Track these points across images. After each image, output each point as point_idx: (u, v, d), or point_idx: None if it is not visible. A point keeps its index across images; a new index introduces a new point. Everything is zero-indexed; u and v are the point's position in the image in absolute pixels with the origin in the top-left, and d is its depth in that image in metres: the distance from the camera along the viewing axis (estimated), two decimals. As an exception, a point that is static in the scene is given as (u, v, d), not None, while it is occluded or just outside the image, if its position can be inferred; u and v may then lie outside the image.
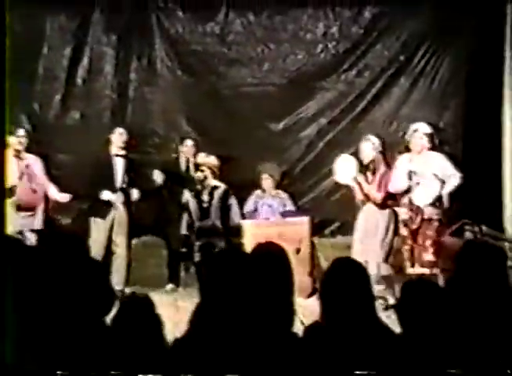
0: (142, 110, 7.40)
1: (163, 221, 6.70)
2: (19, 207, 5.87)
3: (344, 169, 6.32)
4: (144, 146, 7.31)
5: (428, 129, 6.02)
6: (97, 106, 7.35)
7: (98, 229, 6.09)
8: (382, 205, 6.10)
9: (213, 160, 6.49)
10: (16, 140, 6.06)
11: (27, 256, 2.57)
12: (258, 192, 6.85)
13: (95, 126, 7.12)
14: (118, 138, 6.27)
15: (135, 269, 6.54)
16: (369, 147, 6.14)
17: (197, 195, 6.27)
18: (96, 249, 5.60)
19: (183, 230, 6.22)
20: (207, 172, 6.30)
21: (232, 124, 7.32)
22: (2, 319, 2.33)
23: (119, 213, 6.17)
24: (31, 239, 5.56)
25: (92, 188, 6.12)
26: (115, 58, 7.33)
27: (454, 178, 5.85)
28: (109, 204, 6.11)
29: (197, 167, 6.26)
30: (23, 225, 5.80)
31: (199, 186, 6.21)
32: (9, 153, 5.89)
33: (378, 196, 6.10)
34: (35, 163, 6.23)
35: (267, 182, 6.87)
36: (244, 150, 7.11)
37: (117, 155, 6.26)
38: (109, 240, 6.17)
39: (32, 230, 5.74)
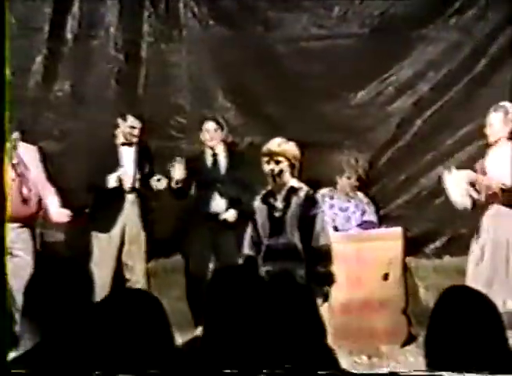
0: (159, 77, 6.45)
1: (183, 235, 5.97)
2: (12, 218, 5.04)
3: (456, 187, 5.50)
4: (164, 129, 6.41)
5: None
6: (95, 73, 6.38)
7: (102, 248, 5.71)
8: None
9: (292, 147, 5.35)
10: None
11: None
12: (326, 190, 6.02)
13: (91, 101, 6.25)
14: (124, 122, 5.80)
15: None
16: (500, 119, 5.39)
17: (265, 198, 5.18)
18: (102, 275, 5.07)
19: (246, 249, 5.21)
20: (285, 165, 5.12)
21: (288, 95, 6.34)
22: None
23: (131, 223, 5.72)
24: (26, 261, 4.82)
25: (93, 186, 5.69)
26: (119, 3, 6.33)
27: None
28: (115, 211, 5.76)
29: (271, 157, 5.18)
30: (14, 241, 4.97)
31: (271, 185, 5.19)
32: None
33: (507, 181, 5.22)
34: (28, 155, 5.25)
35: (344, 181, 6.03)
36: (307, 131, 6.04)
37: (124, 144, 5.78)
38: (119, 263, 5.82)
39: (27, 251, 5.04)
